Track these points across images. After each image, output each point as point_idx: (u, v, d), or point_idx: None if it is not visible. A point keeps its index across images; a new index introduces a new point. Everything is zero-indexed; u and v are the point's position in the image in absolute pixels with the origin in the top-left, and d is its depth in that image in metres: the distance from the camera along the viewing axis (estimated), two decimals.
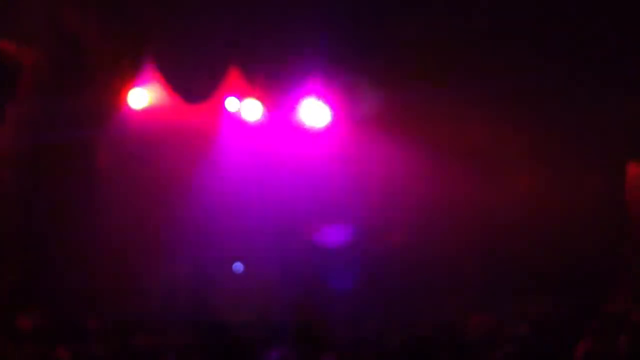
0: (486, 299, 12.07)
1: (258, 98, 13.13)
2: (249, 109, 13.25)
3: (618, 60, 11.92)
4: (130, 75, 12.58)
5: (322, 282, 12.96)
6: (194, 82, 12.41)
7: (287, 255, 13.02)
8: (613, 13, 11.67)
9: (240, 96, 13.14)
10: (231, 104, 13.15)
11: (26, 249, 12.25)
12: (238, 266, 13.51)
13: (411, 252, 12.94)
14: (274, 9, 11.99)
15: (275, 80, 12.64)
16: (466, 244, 12.83)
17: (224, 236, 13.05)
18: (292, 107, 13.17)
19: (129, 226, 12.65)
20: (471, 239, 12.83)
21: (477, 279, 12.64)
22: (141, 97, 12.99)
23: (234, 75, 12.74)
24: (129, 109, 12.93)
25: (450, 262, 12.81)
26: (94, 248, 12.42)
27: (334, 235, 13.02)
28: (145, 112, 13.06)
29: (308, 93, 13.00)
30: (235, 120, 13.26)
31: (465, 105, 12.59)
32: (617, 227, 12.64)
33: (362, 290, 12.78)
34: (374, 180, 13.14)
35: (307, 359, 9.78)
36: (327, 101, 13.14)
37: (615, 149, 12.66)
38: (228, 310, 12.47)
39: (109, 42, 12.15)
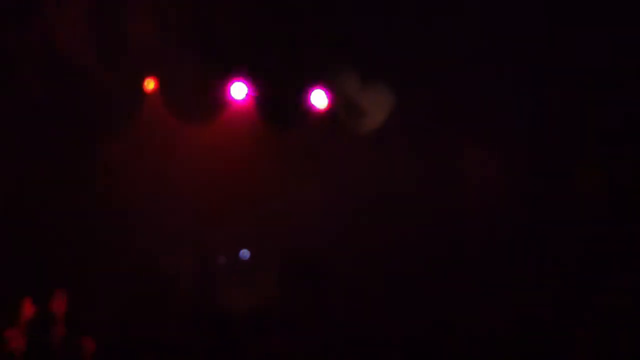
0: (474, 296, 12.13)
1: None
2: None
3: None
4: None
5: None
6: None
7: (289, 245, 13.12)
8: None
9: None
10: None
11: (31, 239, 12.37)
12: (244, 253, 13.60)
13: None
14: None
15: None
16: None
17: (225, 225, 13.16)
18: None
19: (134, 216, 12.77)
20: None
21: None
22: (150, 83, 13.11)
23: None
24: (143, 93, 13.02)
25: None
26: (99, 239, 12.54)
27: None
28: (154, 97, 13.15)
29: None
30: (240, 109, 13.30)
31: None
32: None
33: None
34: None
35: None
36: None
37: None
38: (228, 299, 12.61)
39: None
